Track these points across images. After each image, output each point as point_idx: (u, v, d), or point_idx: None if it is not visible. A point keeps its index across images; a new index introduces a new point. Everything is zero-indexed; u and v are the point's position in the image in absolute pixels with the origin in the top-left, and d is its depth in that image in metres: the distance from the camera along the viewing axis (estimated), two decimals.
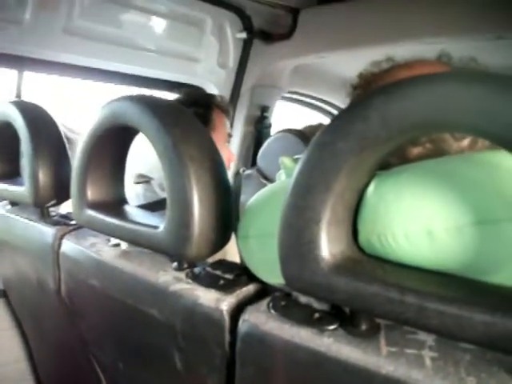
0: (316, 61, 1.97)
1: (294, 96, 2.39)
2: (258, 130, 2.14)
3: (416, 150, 0.64)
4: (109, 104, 0.80)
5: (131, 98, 0.77)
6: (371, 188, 0.51)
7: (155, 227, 0.73)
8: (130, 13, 1.62)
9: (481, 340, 0.42)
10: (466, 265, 0.46)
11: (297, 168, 0.52)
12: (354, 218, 0.52)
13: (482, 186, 0.46)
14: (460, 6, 1.39)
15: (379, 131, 0.46)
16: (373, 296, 0.46)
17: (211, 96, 1.63)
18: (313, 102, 2.47)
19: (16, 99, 1.43)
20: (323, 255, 0.49)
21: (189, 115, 0.76)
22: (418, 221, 0.47)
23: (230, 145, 2.10)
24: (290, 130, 1.81)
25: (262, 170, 1.93)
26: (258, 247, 0.67)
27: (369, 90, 0.81)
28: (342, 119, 0.49)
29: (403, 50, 0.84)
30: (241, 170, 2.08)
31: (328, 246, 0.49)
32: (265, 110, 2.12)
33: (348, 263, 0.49)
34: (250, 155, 2.18)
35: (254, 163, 2.07)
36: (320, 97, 2.42)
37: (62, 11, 1.43)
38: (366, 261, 0.50)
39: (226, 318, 0.63)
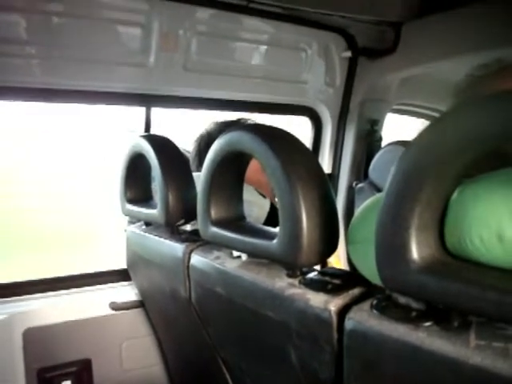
0: (423, 71, 1.98)
1: (404, 107, 2.40)
2: (369, 143, 2.17)
3: None
4: (225, 134, 0.92)
5: (244, 128, 0.89)
6: (455, 195, 0.57)
7: (270, 240, 0.83)
8: (240, 45, 1.75)
9: None
10: None
11: (388, 181, 0.60)
12: (442, 223, 0.58)
13: None
14: None
15: (455, 145, 0.52)
16: (456, 293, 0.52)
17: (238, 121, 1.66)
18: (424, 111, 2.45)
19: (146, 133, 1.62)
20: (413, 258, 0.56)
21: (295, 139, 0.86)
22: (489, 225, 0.52)
23: (343, 159, 2.17)
24: (399, 142, 1.84)
25: (374, 182, 1.97)
26: (363, 252, 0.75)
27: (474, 94, 0.85)
28: (422, 137, 0.56)
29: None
30: (353, 184, 2.13)
31: (417, 249, 0.56)
32: (374, 123, 2.15)
33: (435, 265, 0.55)
34: (362, 169, 2.21)
35: (366, 176, 2.11)
36: (430, 106, 2.40)
37: (180, 51, 1.60)
38: (451, 262, 0.56)
39: (334, 317, 0.71)
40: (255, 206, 1.41)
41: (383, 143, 2.19)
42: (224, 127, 1.59)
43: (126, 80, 1.56)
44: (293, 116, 2.12)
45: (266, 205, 1.48)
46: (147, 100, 1.65)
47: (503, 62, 0.87)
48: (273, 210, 1.48)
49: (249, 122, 1.65)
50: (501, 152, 0.67)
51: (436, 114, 2.47)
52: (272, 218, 1.43)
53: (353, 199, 2.11)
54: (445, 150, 0.54)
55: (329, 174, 2.16)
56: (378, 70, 1.97)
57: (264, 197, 1.50)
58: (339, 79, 2.01)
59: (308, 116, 2.09)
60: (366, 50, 1.95)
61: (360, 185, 2.06)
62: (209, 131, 1.66)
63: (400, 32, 1.82)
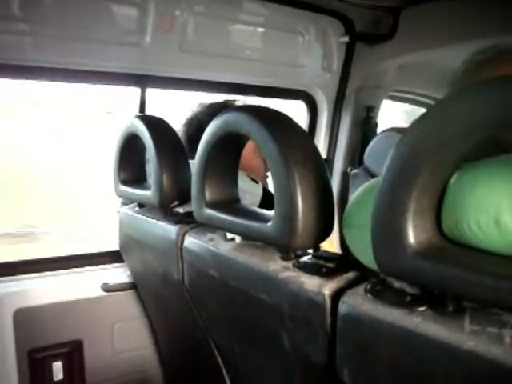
0: (420, 58, 1.97)
1: (401, 94, 2.39)
2: (364, 130, 2.16)
3: None
4: (222, 114, 0.91)
5: (241, 109, 0.87)
6: (453, 180, 0.56)
7: (265, 222, 0.83)
8: (237, 27, 1.73)
9: None
10: None
11: (385, 166, 0.59)
12: (440, 207, 0.57)
13: None
14: None
15: (453, 131, 0.52)
16: (453, 278, 0.52)
17: (225, 103, 1.66)
18: (420, 99, 2.44)
19: (140, 114, 1.60)
20: (410, 242, 0.56)
21: (293, 123, 0.85)
22: (487, 210, 0.52)
23: (338, 144, 2.16)
24: (395, 129, 1.83)
25: (369, 168, 1.96)
26: (359, 236, 0.74)
27: (470, 81, 0.84)
28: (420, 122, 0.56)
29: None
30: (348, 170, 2.13)
31: (414, 234, 0.56)
32: (370, 110, 2.14)
33: (432, 249, 0.55)
34: (357, 155, 2.21)
35: (360, 163, 2.11)
36: (427, 93, 2.39)
37: (176, 31, 1.58)
38: (448, 247, 0.56)
39: (328, 301, 0.71)
40: (248, 193, 1.41)
41: (378, 130, 2.18)
42: (214, 110, 1.57)
43: (121, 59, 1.53)
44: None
45: (258, 190, 1.47)
46: (142, 80, 1.63)
47: (500, 48, 0.86)
48: (265, 194, 1.47)
49: (236, 103, 1.64)
50: (500, 139, 0.66)
51: (432, 102, 2.46)
52: (265, 203, 1.42)
53: (347, 185, 2.11)
54: (443, 136, 0.53)
55: (324, 160, 2.15)
56: (376, 56, 1.96)
57: (256, 182, 1.49)
58: (336, 64, 2.00)
59: (304, 100, 2.08)
60: (364, 36, 1.93)
61: (355, 171, 2.05)
62: (197, 115, 1.64)
63: (398, 18, 1.80)
